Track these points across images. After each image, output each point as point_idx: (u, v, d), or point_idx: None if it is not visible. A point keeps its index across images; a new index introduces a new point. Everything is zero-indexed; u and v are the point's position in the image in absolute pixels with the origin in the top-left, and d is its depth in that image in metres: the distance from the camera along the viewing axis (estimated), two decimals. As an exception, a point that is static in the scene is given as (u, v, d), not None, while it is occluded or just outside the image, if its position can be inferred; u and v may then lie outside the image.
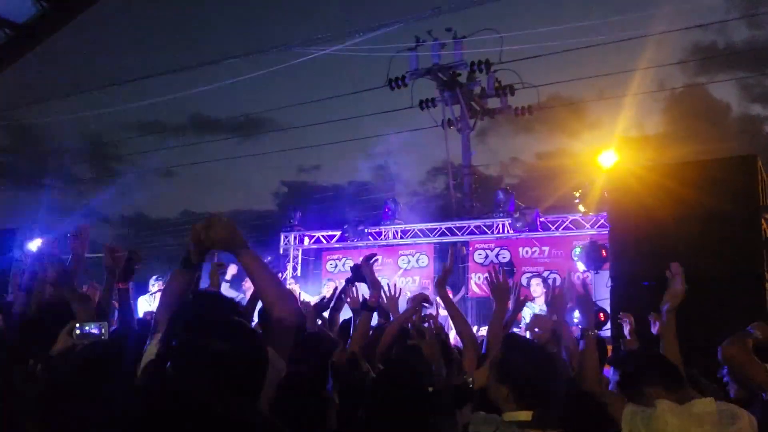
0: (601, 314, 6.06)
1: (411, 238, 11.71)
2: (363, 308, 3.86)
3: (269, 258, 11.52)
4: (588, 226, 10.29)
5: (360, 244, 11.85)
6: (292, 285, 10.36)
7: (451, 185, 15.61)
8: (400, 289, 4.70)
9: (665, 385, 2.57)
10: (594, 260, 8.87)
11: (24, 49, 6.81)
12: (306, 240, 12.64)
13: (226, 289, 8.46)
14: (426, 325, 3.59)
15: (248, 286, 7.44)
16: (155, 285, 8.82)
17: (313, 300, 9.06)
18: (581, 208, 10.92)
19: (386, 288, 4.36)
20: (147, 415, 1.53)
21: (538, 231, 10.62)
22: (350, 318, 4.66)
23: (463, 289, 11.04)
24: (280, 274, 10.95)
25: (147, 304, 8.48)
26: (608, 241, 6.12)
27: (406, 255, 11.84)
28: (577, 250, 9.87)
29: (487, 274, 3.59)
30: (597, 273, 8.94)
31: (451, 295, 8.36)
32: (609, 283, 5.50)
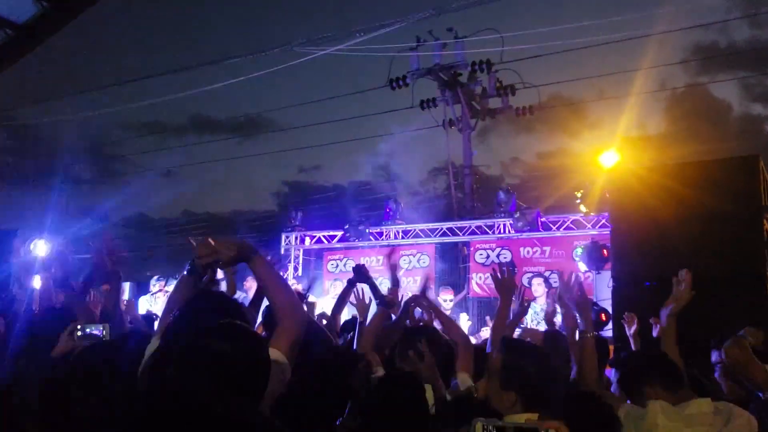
0: (603, 314, 6.05)
1: (412, 238, 11.69)
2: (381, 304, 3.86)
3: (269, 256, 11.49)
4: (589, 226, 10.28)
5: (361, 244, 11.84)
6: (294, 285, 10.35)
7: (452, 185, 15.60)
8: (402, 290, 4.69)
9: (664, 384, 2.57)
10: (595, 260, 8.86)
11: (24, 49, 6.81)
12: (307, 240, 12.62)
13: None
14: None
15: (249, 285, 7.44)
16: (156, 285, 8.84)
17: (318, 301, 9.08)
18: (583, 208, 10.90)
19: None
20: (147, 414, 1.53)
21: (539, 231, 10.60)
22: (352, 318, 4.66)
23: (464, 289, 11.02)
24: (282, 273, 10.95)
25: (148, 303, 8.50)
26: (610, 242, 6.11)
27: (408, 255, 11.82)
28: (579, 251, 9.85)
29: (492, 272, 3.59)
30: (598, 273, 8.93)
31: (452, 295, 8.40)
32: (611, 284, 5.49)
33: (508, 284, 3.48)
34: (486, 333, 7.29)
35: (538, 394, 2.21)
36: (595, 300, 6.97)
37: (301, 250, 12.78)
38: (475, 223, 11.48)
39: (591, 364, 2.90)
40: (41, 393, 2.24)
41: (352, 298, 4.49)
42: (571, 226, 10.47)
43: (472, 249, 11.52)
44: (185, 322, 1.83)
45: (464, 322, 8.49)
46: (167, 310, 2.22)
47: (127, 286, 10.25)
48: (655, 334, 4.11)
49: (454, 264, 12.31)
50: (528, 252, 10.93)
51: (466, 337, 3.56)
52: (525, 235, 10.72)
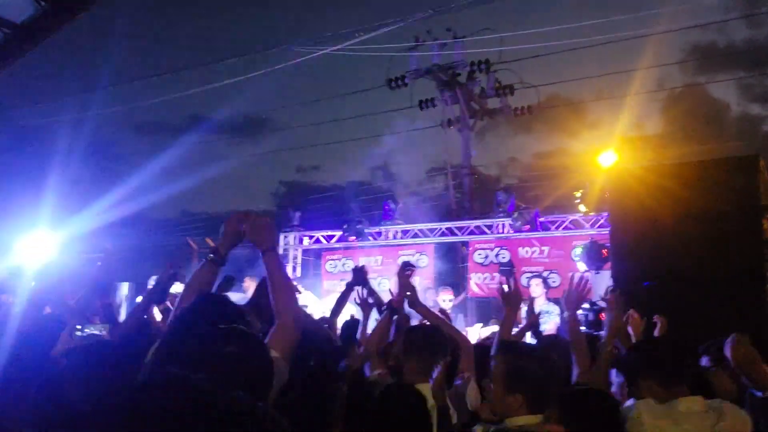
0: (602, 314, 6.05)
1: (411, 238, 11.68)
2: (388, 308, 3.87)
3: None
4: (588, 226, 10.28)
5: (360, 244, 11.83)
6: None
7: (450, 185, 15.61)
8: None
9: (658, 379, 2.54)
10: (595, 260, 8.86)
11: (23, 49, 6.79)
12: (306, 240, 12.61)
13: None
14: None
15: (247, 285, 7.42)
16: (155, 285, 8.81)
17: (318, 302, 9.06)
18: (582, 207, 10.91)
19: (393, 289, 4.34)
20: (149, 410, 1.52)
21: (538, 231, 10.60)
22: (352, 319, 4.66)
23: (464, 290, 11.01)
24: None
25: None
26: (609, 241, 6.12)
27: (406, 255, 11.81)
28: (578, 250, 9.86)
29: (498, 284, 3.61)
30: (598, 273, 8.93)
31: (452, 295, 8.38)
32: (610, 283, 5.49)
33: (514, 296, 3.49)
34: (484, 331, 7.29)
35: (543, 394, 2.22)
36: (594, 300, 6.97)
37: (300, 250, 12.77)
38: (473, 223, 11.47)
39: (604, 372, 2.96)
40: (39, 389, 2.23)
41: (354, 297, 4.49)
42: (570, 225, 10.48)
43: (470, 249, 11.52)
44: (188, 323, 1.84)
45: (461, 324, 8.48)
46: (184, 298, 2.26)
47: (125, 286, 10.25)
48: (656, 333, 4.12)
49: (453, 264, 12.31)
50: (527, 252, 10.93)
51: (464, 338, 3.59)
52: (524, 235, 10.72)
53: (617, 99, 16.47)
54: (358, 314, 4.54)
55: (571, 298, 3.37)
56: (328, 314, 5.17)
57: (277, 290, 2.21)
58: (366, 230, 11.67)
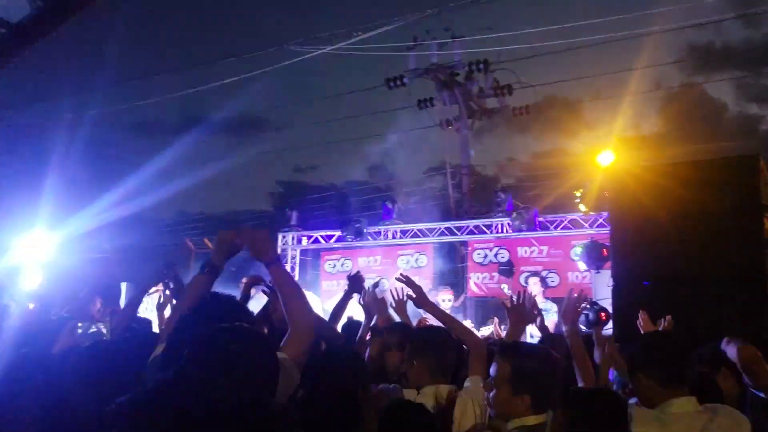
0: (602, 314, 6.06)
1: (410, 238, 11.68)
2: (378, 335, 3.80)
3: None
4: (586, 225, 10.29)
5: (359, 244, 11.82)
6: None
7: (449, 185, 15.60)
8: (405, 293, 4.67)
9: (654, 376, 2.49)
10: (595, 259, 8.86)
11: (19, 49, 6.76)
12: (304, 240, 12.58)
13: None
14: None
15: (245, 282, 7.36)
16: (154, 285, 8.78)
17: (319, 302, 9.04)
18: (582, 207, 10.91)
19: (394, 292, 4.30)
20: (154, 411, 1.51)
21: (537, 230, 10.61)
22: (352, 320, 4.66)
23: (464, 291, 11.01)
24: None
25: (144, 303, 8.44)
26: (609, 241, 6.11)
27: (405, 255, 11.82)
28: (578, 250, 9.87)
29: (509, 296, 3.52)
30: (598, 272, 8.95)
31: (452, 295, 8.37)
32: (610, 283, 5.49)
33: (521, 312, 3.22)
34: (485, 331, 7.28)
35: (549, 393, 2.21)
36: (594, 299, 6.97)
37: (298, 251, 12.74)
38: (472, 223, 11.47)
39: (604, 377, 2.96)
40: (39, 390, 2.21)
41: (359, 299, 4.46)
42: (569, 225, 10.48)
43: (470, 249, 11.52)
44: (195, 321, 1.83)
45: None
46: (180, 308, 2.26)
47: (124, 287, 10.23)
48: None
49: (452, 264, 12.31)
50: (526, 251, 10.94)
51: (477, 340, 3.42)
52: (523, 234, 10.72)
53: (616, 98, 16.46)
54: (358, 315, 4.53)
55: (568, 311, 3.22)
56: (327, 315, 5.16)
57: (288, 299, 2.23)
58: (365, 230, 11.66)
